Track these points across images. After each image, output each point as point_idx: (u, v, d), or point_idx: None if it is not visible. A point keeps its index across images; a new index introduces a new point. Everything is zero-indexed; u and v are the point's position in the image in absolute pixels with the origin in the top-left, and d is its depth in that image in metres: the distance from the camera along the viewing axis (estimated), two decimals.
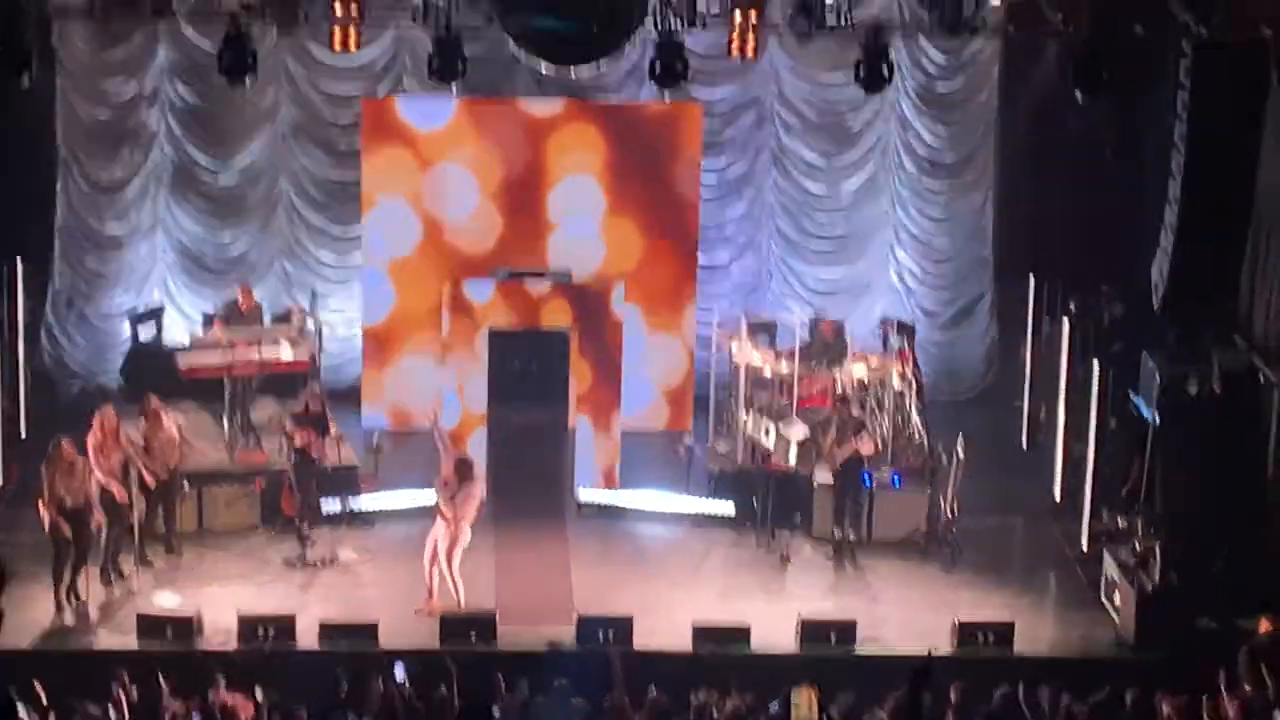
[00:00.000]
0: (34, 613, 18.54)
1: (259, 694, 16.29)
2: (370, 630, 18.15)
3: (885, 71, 20.00)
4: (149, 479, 19.50)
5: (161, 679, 16.07)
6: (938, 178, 24.76)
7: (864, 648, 18.35)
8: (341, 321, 24.44)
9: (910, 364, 22.72)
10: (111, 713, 15.88)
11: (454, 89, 21.67)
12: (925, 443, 21.68)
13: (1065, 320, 22.12)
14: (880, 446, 21.11)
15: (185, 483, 20.35)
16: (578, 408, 22.02)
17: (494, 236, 23.28)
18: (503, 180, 23.26)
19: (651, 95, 22.91)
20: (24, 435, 22.22)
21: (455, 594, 18.82)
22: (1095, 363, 20.83)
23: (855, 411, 20.83)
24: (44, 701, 15.34)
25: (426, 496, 19.81)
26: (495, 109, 23.34)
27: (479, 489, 19.03)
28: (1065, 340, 21.89)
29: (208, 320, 23.46)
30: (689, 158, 23.43)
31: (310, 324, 23.02)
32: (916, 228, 24.91)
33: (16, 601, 18.48)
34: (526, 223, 23.29)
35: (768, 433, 21.10)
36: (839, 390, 21.56)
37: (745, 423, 21.65)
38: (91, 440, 18.95)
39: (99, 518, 18.81)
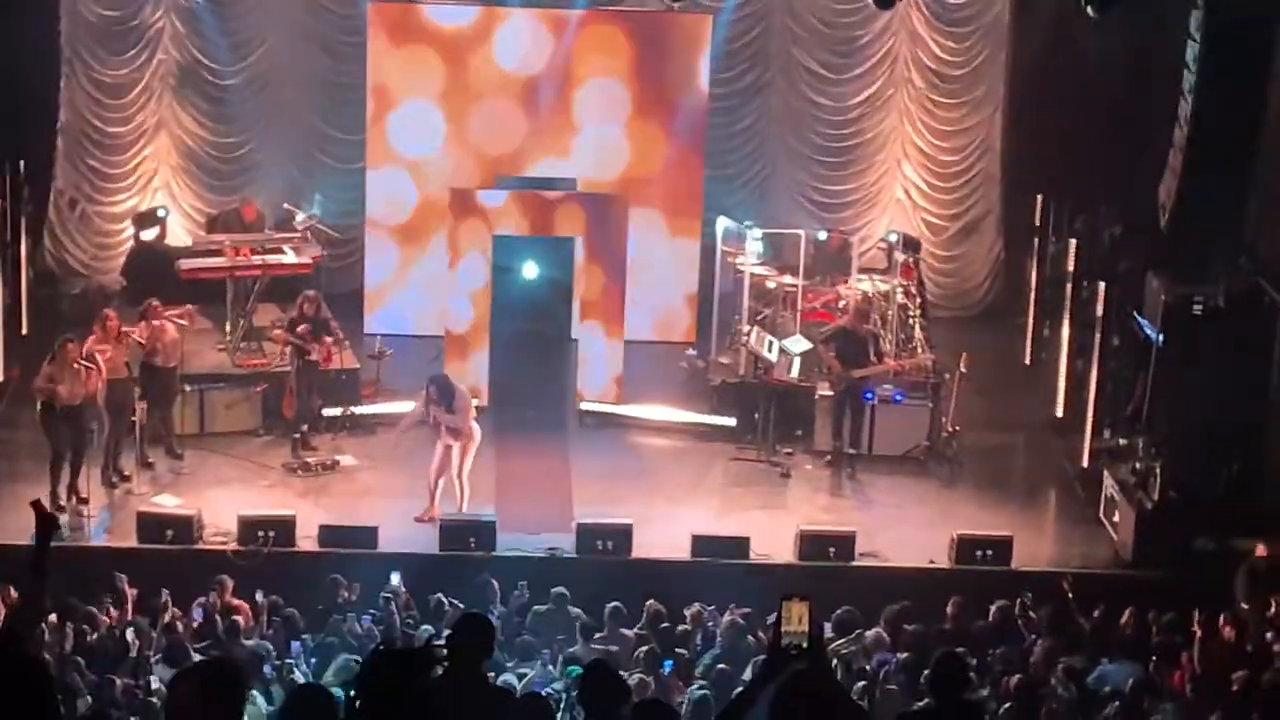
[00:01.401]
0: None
1: (259, 596, 16.48)
2: (369, 534, 18.27)
3: None
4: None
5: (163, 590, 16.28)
6: (946, 92, 24.71)
7: (862, 561, 18.49)
8: (346, 226, 24.48)
9: (915, 279, 22.81)
10: (112, 611, 16.08)
11: None
12: (928, 358, 21.78)
13: (1071, 238, 22.17)
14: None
15: (186, 385, 20.47)
16: (583, 317, 22.10)
17: (518, 138, 23.33)
18: (526, 82, 23.30)
19: (658, 5, 22.87)
20: (25, 331, 22.32)
21: (460, 498, 18.89)
22: (1100, 282, 20.90)
23: (868, 326, 20.88)
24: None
25: None
26: (517, 11, 23.32)
27: (465, 408, 18.99)
28: (1071, 258, 21.95)
29: (211, 222, 23.51)
30: (699, 66, 23.42)
31: (314, 228, 23.01)
32: (923, 142, 24.90)
33: (18, 498, 18.57)
34: (551, 124, 23.32)
35: (770, 346, 21.18)
36: (850, 302, 21.56)
37: (748, 336, 21.72)
38: (93, 341, 19.03)
39: (103, 417, 18.98)
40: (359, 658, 14.43)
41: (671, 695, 14.07)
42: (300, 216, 23.06)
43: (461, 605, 16.09)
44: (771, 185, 25.02)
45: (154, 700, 13.81)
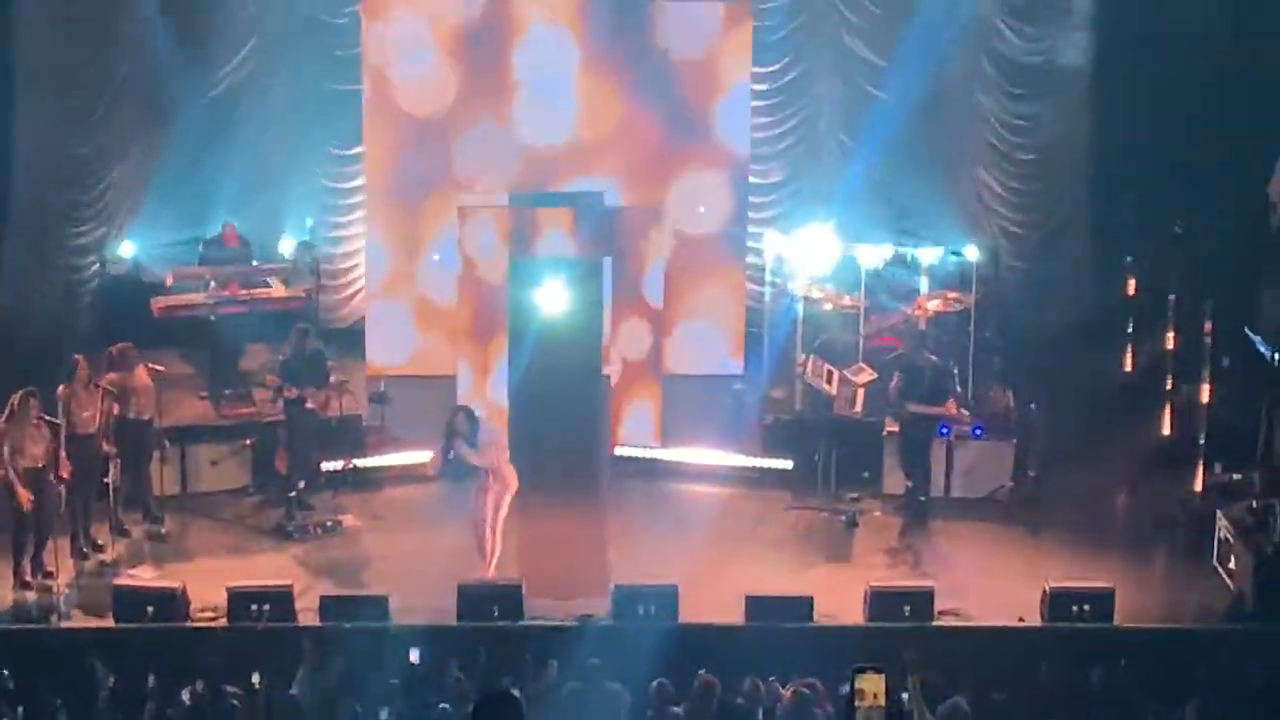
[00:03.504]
0: None
1: (255, 679, 16.45)
2: (379, 604, 18.24)
3: None
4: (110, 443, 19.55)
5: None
6: (1025, 82, 24.59)
7: (942, 620, 18.44)
8: (341, 254, 24.51)
9: (992, 296, 22.74)
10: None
11: None
12: (1009, 387, 21.71)
13: (1173, 244, 22.10)
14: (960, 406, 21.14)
15: (165, 441, 20.51)
16: (614, 349, 22.09)
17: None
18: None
19: None
20: None
21: (490, 556, 18.80)
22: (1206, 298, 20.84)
23: (930, 356, 20.81)
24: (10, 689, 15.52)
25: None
26: None
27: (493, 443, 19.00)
28: (1174, 268, 21.89)
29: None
30: (738, 61, 23.47)
31: (305, 257, 23.04)
32: (998, 139, 24.79)
33: None
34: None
35: (830, 377, 21.15)
36: (909, 325, 21.55)
37: (804, 366, 21.68)
38: (61, 393, 19.01)
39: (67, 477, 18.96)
40: None
41: None
42: (289, 245, 23.08)
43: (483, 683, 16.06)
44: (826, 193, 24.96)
45: None
